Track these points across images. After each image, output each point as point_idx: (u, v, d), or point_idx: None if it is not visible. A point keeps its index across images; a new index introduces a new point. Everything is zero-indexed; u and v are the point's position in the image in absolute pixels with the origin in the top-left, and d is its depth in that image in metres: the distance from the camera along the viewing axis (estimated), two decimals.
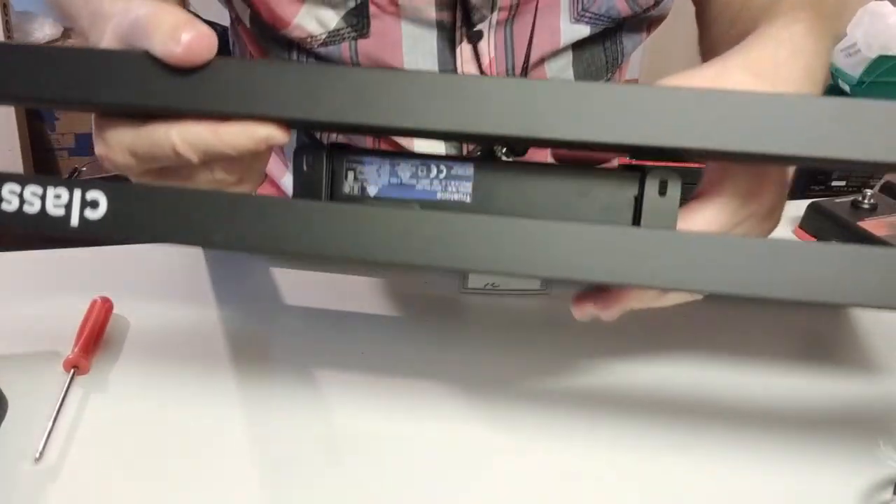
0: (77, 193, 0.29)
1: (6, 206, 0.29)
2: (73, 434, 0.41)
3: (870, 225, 0.59)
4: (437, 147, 0.54)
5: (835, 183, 1.95)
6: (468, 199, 0.32)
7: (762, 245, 0.26)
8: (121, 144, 0.30)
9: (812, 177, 1.94)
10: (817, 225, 0.62)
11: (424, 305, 0.53)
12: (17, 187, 0.29)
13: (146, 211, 0.29)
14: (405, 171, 0.32)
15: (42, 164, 1.86)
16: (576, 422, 0.44)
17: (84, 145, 1.88)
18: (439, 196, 0.32)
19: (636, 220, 0.30)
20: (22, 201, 0.29)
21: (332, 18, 0.50)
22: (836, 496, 0.40)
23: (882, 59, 1.80)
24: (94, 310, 0.48)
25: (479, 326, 0.52)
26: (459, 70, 0.50)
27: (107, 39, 0.31)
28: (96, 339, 0.47)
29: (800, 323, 0.53)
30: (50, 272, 0.55)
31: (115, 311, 0.50)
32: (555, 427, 0.43)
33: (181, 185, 0.30)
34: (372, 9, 0.50)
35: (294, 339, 0.49)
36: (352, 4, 0.49)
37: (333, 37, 0.51)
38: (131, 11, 0.29)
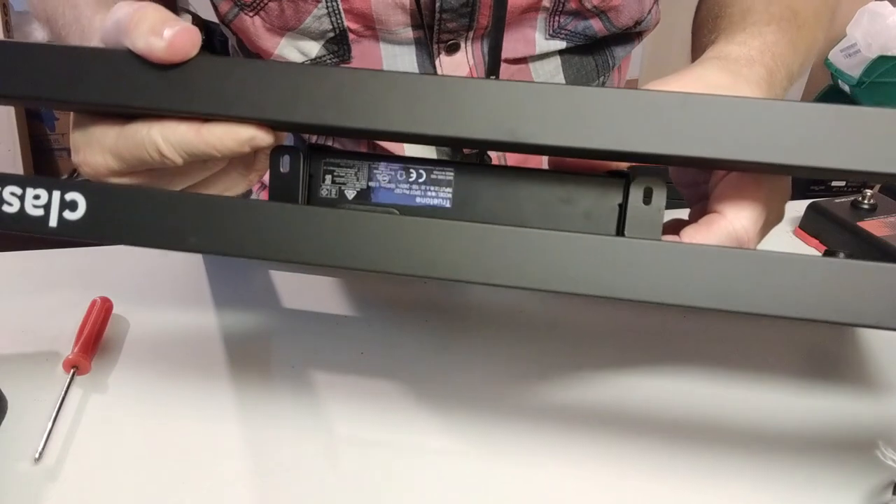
0: (56, 195, 0.29)
1: None
2: (73, 434, 0.41)
3: (870, 225, 0.59)
4: (429, 153, 0.54)
5: (835, 183, 1.95)
6: (448, 205, 0.31)
7: (755, 257, 0.25)
8: (102, 145, 0.30)
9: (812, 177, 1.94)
10: (817, 225, 0.62)
11: (424, 306, 0.53)
12: None
13: (123, 213, 0.29)
14: (384, 175, 0.31)
15: (42, 164, 1.86)
16: (576, 426, 0.44)
17: None
18: (418, 201, 0.31)
19: (620, 229, 0.29)
20: (1, 201, 0.29)
21: (313, 48, 0.51)
22: (836, 497, 0.40)
23: (882, 60, 1.79)
24: (93, 310, 0.48)
25: (479, 328, 0.52)
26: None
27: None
28: (96, 339, 0.47)
29: (799, 329, 0.53)
30: (50, 272, 0.55)
31: (115, 311, 0.50)
32: (555, 430, 0.43)
33: (160, 188, 0.30)
34: (351, 36, 0.50)
35: (293, 339, 0.49)
36: (331, 35, 0.50)
37: (316, 63, 0.51)
38: (114, 13, 0.29)
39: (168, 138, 0.28)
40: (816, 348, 0.51)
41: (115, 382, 0.45)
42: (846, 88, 1.90)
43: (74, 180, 0.29)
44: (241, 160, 0.32)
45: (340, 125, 0.28)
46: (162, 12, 0.27)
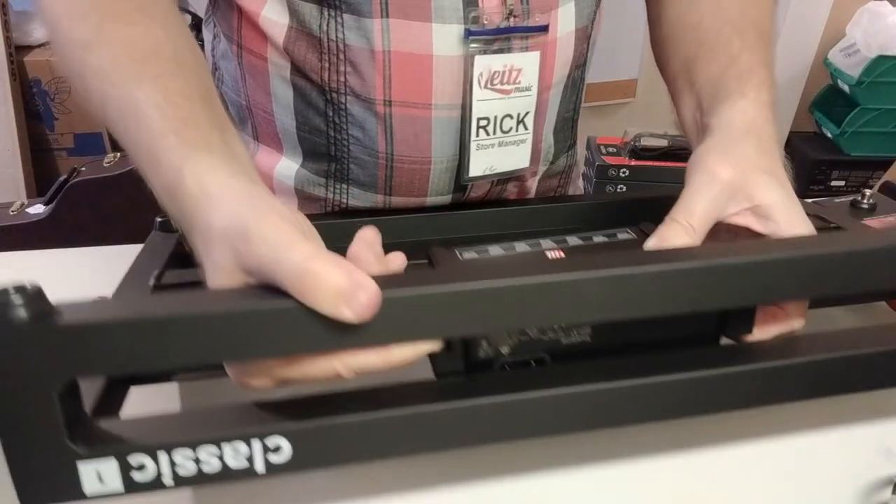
0: (256, 445, 0.28)
1: (182, 472, 0.28)
2: None
3: (869, 225, 0.59)
4: None
5: (834, 183, 1.95)
6: (588, 339, 0.35)
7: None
8: (270, 374, 0.30)
9: (811, 177, 1.95)
10: (816, 226, 0.62)
11: None
12: (189, 451, 0.28)
13: (329, 443, 0.29)
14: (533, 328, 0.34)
15: (41, 164, 1.85)
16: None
17: (83, 145, 1.87)
18: (564, 342, 0.34)
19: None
20: (197, 461, 0.28)
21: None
22: (836, 496, 0.40)
23: (881, 59, 1.79)
24: None
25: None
26: (480, 6, 0.48)
27: (217, 250, 0.29)
28: None
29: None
30: (50, 272, 0.55)
31: None
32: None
33: (351, 419, 0.31)
34: None
35: None
36: None
37: (303, 30, 0.49)
38: (255, 242, 0.28)
39: (350, 365, 0.29)
40: None
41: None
42: (845, 88, 1.90)
43: (273, 424, 0.29)
44: None
45: (519, 325, 0.32)
46: (341, 269, 0.26)
